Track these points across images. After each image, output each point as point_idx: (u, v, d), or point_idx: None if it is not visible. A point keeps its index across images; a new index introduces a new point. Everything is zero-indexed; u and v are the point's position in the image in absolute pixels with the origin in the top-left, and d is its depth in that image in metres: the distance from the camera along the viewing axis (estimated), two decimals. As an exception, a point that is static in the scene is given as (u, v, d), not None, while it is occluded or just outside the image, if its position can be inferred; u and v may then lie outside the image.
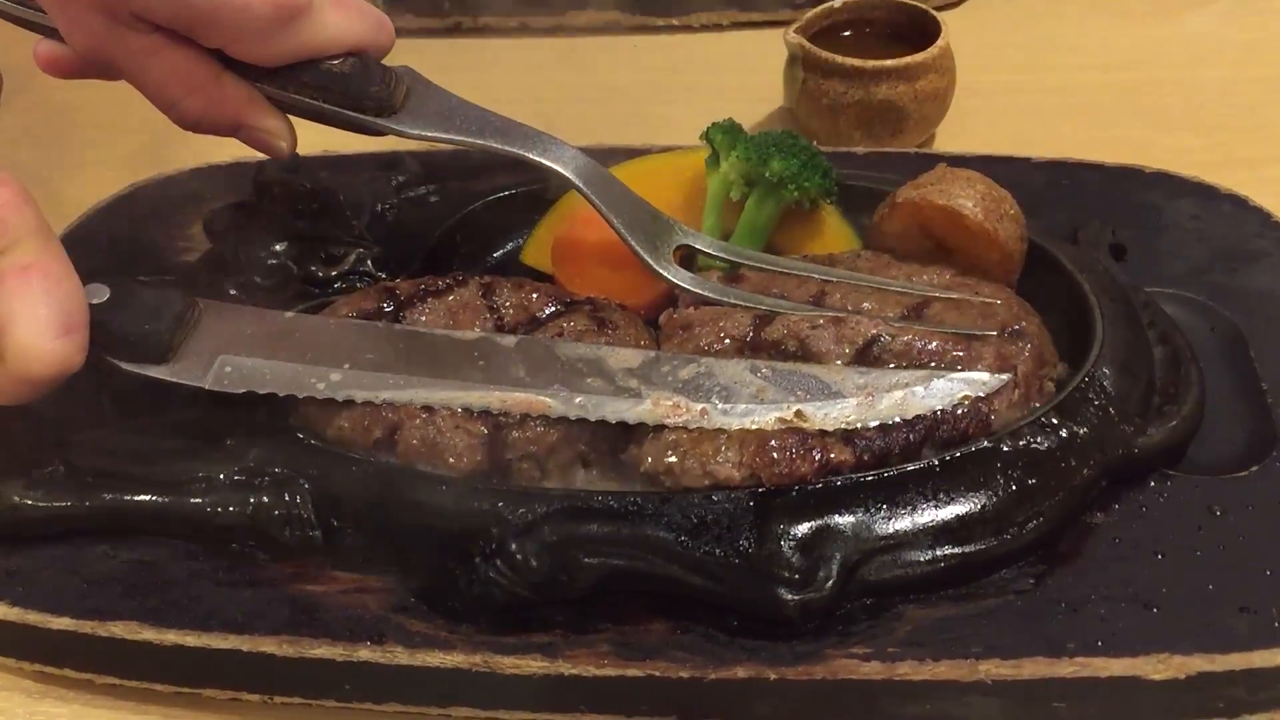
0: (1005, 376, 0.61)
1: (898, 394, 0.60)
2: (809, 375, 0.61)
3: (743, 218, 0.74)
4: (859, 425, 0.59)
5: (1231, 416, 0.66)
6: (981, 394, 0.60)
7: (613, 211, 0.67)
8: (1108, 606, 0.56)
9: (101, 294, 0.59)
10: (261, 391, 0.61)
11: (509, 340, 0.63)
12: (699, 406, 0.60)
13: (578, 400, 0.60)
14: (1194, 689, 0.53)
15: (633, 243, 0.67)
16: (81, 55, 0.66)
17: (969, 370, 0.61)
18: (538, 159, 0.67)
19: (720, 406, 0.60)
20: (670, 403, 0.60)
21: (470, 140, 0.67)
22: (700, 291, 0.67)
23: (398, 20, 1.06)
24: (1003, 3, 1.15)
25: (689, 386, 0.60)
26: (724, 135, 0.75)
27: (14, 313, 0.53)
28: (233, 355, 0.62)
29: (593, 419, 0.60)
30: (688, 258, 0.71)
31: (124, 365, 0.60)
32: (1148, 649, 0.53)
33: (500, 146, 0.67)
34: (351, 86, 0.65)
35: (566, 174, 0.67)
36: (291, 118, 0.68)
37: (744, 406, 0.59)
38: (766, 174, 0.73)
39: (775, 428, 0.59)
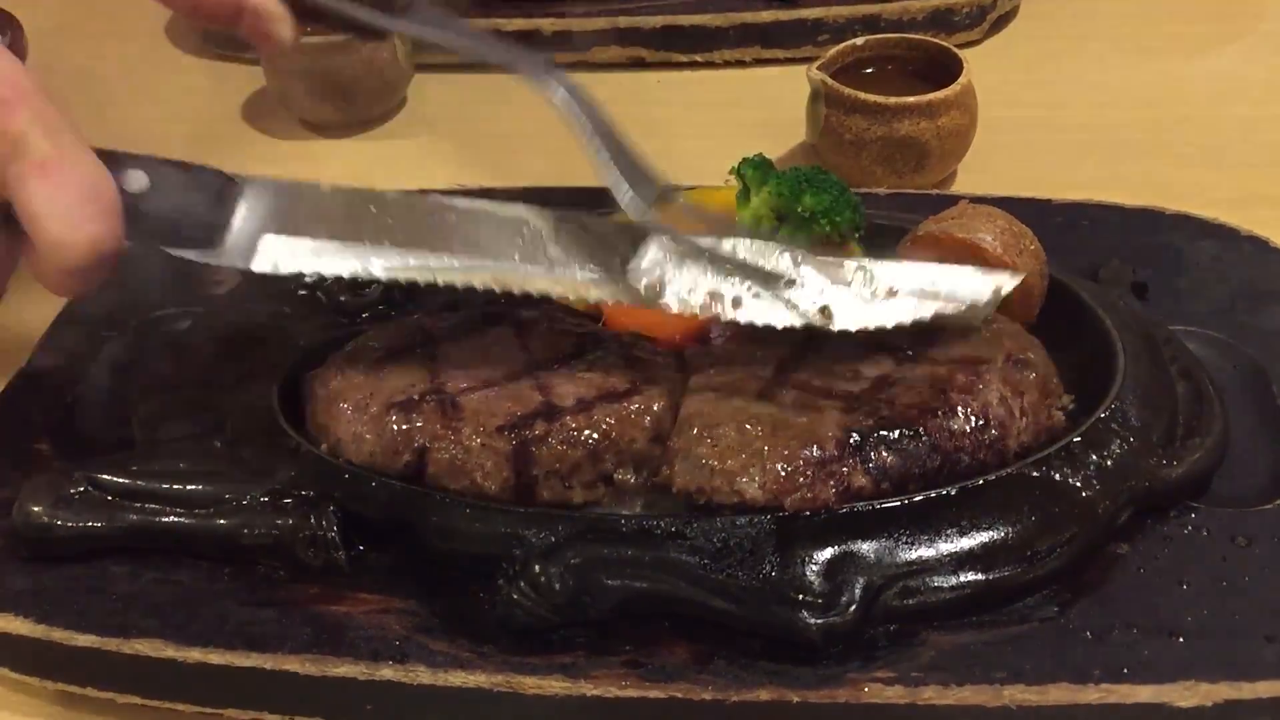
0: (1019, 276, 0.64)
1: (919, 290, 0.62)
2: (823, 268, 0.62)
3: None
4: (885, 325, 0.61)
5: (1255, 451, 0.66)
6: (1002, 288, 0.63)
7: (597, 140, 0.64)
8: (1133, 634, 0.55)
9: (140, 181, 0.58)
10: (307, 272, 0.60)
11: (548, 217, 0.63)
12: (730, 295, 0.61)
13: (608, 287, 0.61)
14: (1221, 717, 0.53)
15: (609, 175, 0.63)
16: None
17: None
18: (528, 76, 0.65)
19: (752, 292, 0.61)
20: (705, 293, 0.61)
21: (466, 44, 0.66)
22: (661, 233, 0.63)
23: (425, 56, 1.10)
24: (1024, 40, 1.16)
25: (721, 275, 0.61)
26: (755, 170, 0.75)
27: (39, 208, 0.53)
28: (275, 235, 0.60)
29: (626, 301, 0.61)
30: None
31: (171, 251, 0.60)
32: (1174, 676, 0.53)
33: (494, 58, 0.66)
34: None
35: (554, 97, 0.64)
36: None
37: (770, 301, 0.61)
38: (799, 209, 0.73)
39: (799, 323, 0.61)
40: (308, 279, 0.62)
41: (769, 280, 0.61)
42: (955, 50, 0.94)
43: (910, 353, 0.65)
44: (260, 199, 0.61)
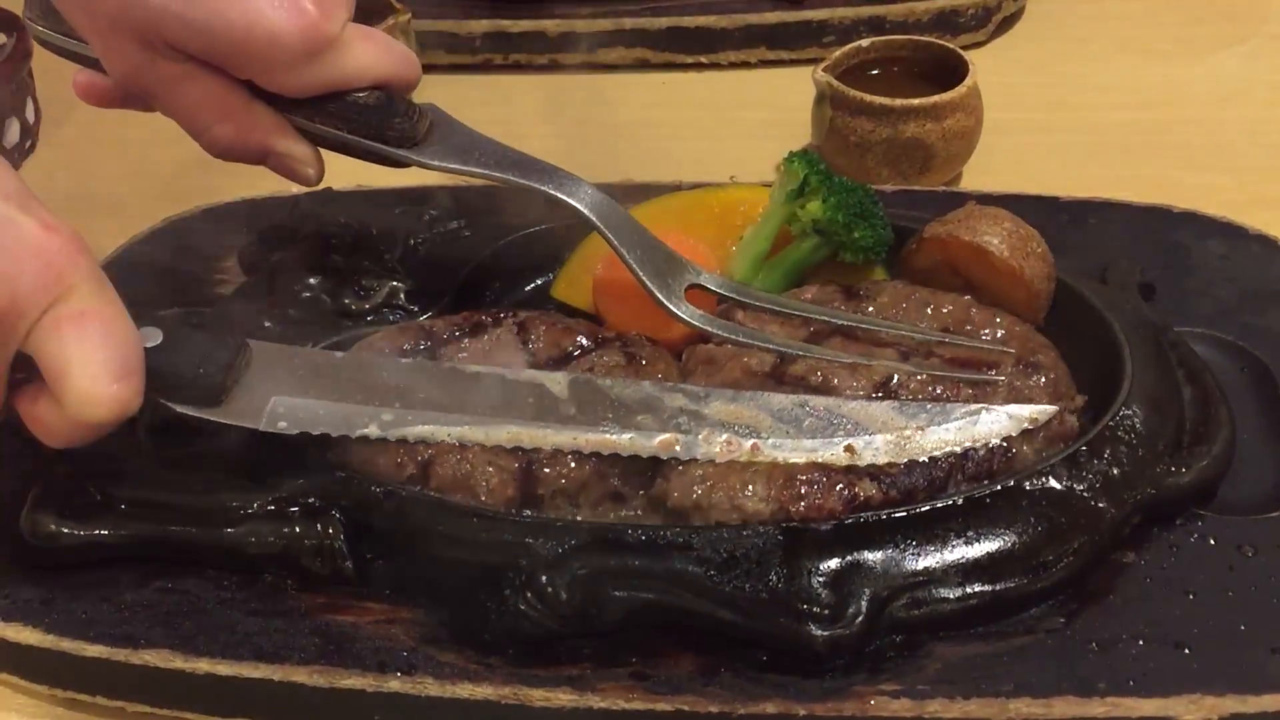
0: (1052, 409, 0.61)
1: (944, 427, 0.60)
2: (853, 411, 0.61)
3: (789, 253, 0.74)
4: (903, 460, 0.59)
5: (1262, 456, 0.66)
6: (1027, 428, 0.60)
7: (626, 248, 0.67)
8: (1139, 646, 0.55)
9: (155, 337, 0.58)
10: (315, 432, 0.61)
11: (560, 379, 0.63)
12: (749, 442, 0.60)
13: (628, 437, 0.61)
14: (1227, 730, 0.53)
15: (646, 280, 0.67)
16: (118, 83, 0.67)
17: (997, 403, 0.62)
18: (555, 193, 0.67)
19: (771, 441, 0.60)
20: (723, 439, 0.60)
21: (489, 173, 0.67)
22: (709, 329, 0.67)
23: (431, 57, 1.09)
24: (1030, 42, 1.15)
25: (740, 423, 0.61)
26: (819, 178, 0.73)
27: (72, 359, 0.53)
28: (285, 396, 0.61)
29: (645, 456, 0.60)
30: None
31: (177, 408, 0.60)
32: (1180, 689, 0.53)
33: (519, 180, 0.67)
34: (375, 118, 0.66)
35: (582, 209, 0.67)
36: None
37: (793, 442, 0.60)
38: (845, 240, 0.72)
39: (827, 461, 0.59)
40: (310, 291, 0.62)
41: (789, 429, 0.61)
42: (961, 52, 0.94)
43: (916, 353, 0.65)
44: (271, 362, 0.63)
